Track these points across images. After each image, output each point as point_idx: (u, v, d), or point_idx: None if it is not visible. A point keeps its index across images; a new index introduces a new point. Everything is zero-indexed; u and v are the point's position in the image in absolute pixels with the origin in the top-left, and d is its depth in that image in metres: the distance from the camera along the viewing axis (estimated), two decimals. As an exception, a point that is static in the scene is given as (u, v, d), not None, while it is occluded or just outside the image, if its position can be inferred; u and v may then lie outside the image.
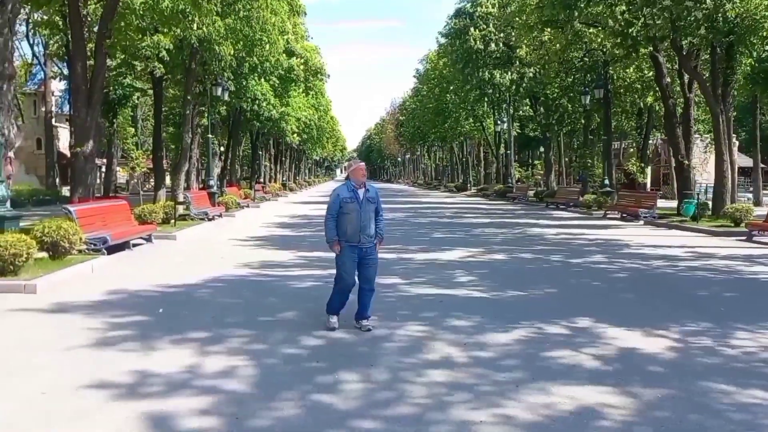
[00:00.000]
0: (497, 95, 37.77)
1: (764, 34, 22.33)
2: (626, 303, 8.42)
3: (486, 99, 38.21)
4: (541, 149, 45.80)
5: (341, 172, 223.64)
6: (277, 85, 33.70)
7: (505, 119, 39.26)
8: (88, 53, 16.81)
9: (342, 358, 5.85)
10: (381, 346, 6.28)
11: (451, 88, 43.75)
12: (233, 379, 5.25)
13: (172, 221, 17.77)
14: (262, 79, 31.06)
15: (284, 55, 30.16)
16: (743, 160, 45.59)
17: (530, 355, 5.94)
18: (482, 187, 51.61)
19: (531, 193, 37.55)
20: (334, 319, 6.88)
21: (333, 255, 7.02)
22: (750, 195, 33.70)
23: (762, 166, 44.39)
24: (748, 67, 25.84)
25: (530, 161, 58.30)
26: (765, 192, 34.94)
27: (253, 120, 34.91)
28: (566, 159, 46.35)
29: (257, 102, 31.91)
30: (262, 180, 46.65)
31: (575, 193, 30.49)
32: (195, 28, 18.19)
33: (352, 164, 7.13)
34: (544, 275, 10.64)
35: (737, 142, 43.29)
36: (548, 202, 32.00)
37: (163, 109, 28.63)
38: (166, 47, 20.65)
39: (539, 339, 6.50)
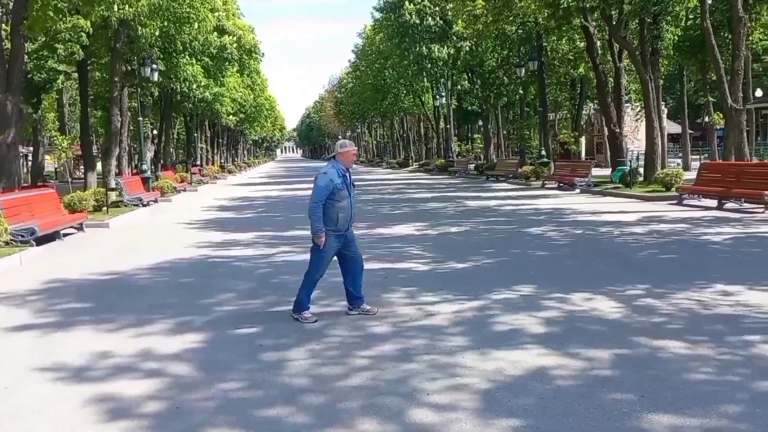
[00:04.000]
0: (435, 70, 37.78)
1: (688, 4, 23.11)
2: (568, 269, 8.57)
3: (424, 74, 38.16)
4: (480, 123, 46.27)
5: (282, 152, 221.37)
6: (209, 65, 32.69)
7: (443, 94, 39.38)
8: (5, 36, 15.80)
9: (288, 337, 5.73)
10: (328, 322, 6.17)
11: (389, 63, 43.51)
12: (176, 363, 5.06)
13: (105, 209, 17.08)
14: (194, 59, 30.03)
15: (215, 33, 29.23)
16: (672, 127, 47.34)
17: (476, 324, 5.96)
18: (424, 163, 51.89)
19: (471, 166, 37.97)
20: (308, 314, 6.25)
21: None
22: (679, 160, 35.07)
23: (690, 132, 46.22)
24: (675, 37, 26.72)
25: (470, 135, 58.89)
26: (693, 157, 36.41)
27: (186, 101, 33.82)
28: (505, 132, 47.01)
29: (189, 83, 30.89)
30: (198, 163, 45.42)
31: (514, 165, 31.01)
32: (116, 9, 17.29)
33: (345, 145, 6.34)
34: (488, 246, 10.75)
35: (666, 110, 44.84)
36: (488, 175, 32.44)
37: (91, 92, 27.36)
38: (87, 29, 19.63)
39: (485, 307, 6.54)
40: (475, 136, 53.80)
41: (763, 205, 13.60)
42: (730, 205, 14.80)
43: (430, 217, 15.45)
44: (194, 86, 31.10)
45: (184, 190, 29.75)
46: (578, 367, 4.73)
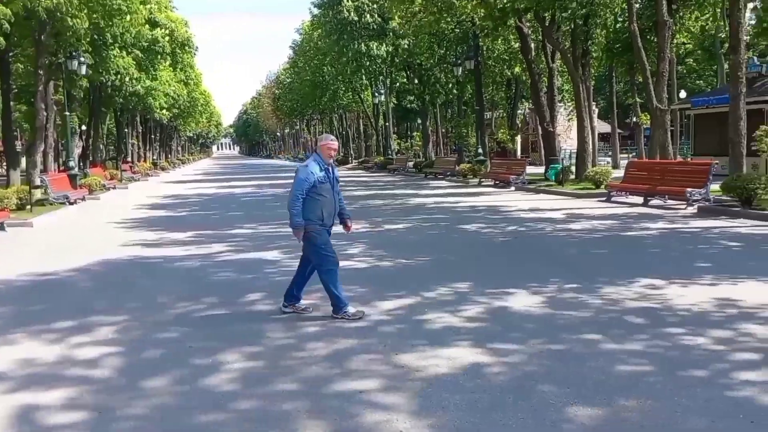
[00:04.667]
0: (374, 67, 37.82)
1: (616, 9, 23.93)
2: (502, 265, 8.73)
3: (363, 71, 38.17)
4: (419, 121, 46.65)
5: (218, 149, 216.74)
6: (141, 58, 31.69)
7: (382, 91, 39.51)
8: None
9: (219, 339, 5.59)
10: (262, 323, 6.07)
11: (328, 60, 43.26)
12: (101, 368, 4.85)
13: (28, 207, 16.29)
14: (125, 52, 29.04)
15: (147, 26, 28.33)
16: (602, 127, 48.94)
17: (411, 321, 5.99)
18: (363, 160, 51.91)
19: (410, 164, 38.25)
20: (352, 309, 6.09)
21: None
22: (609, 159, 36.35)
23: (619, 131, 47.94)
24: (605, 39, 27.64)
25: (409, 133, 59.30)
26: (622, 155, 37.79)
27: (116, 95, 32.67)
28: (443, 130, 47.53)
29: (120, 76, 29.86)
30: (129, 160, 43.99)
31: (452, 163, 31.39)
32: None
33: (323, 139, 6.25)
34: (426, 243, 10.83)
35: (597, 110, 46.36)
36: (427, 173, 32.74)
37: (14, 85, 26.00)
38: (8, 17, 18.62)
39: (421, 305, 6.58)
40: (414, 133, 54.20)
41: (685, 202, 14.24)
42: (655, 201, 15.42)
43: (368, 214, 15.45)
44: (126, 79, 30.09)
45: (114, 188, 28.76)
46: (508, 362, 4.81)
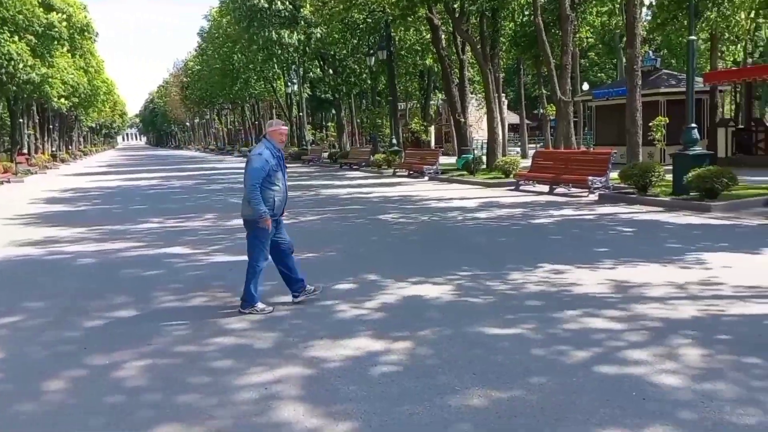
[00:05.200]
0: (286, 56, 37.17)
1: (522, 2, 24.64)
2: (413, 255, 8.79)
3: (274, 60, 37.44)
4: (334, 111, 46.40)
5: (124, 140, 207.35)
6: (36, 44, 29.71)
7: (295, 81, 38.96)
8: None
9: (119, 337, 5.32)
10: (161, 320, 5.83)
11: (237, 47, 42.14)
12: (-17, 382, 4.50)
13: None
14: (16, 37, 27.13)
15: (41, 9, 26.57)
16: (512, 118, 50.46)
17: (319, 314, 5.93)
18: (276, 151, 50.99)
19: (325, 154, 38.00)
20: (261, 305, 6.00)
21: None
22: (518, 149, 37.51)
23: (527, 122, 49.56)
24: (512, 32, 28.40)
25: (324, 123, 58.89)
26: (530, 146, 39.10)
27: (9, 83, 30.48)
28: (358, 120, 47.54)
29: (15, 62, 27.88)
30: (25, 151, 41.29)
31: (366, 153, 31.43)
32: None
33: (273, 124, 6.08)
34: (339, 234, 10.77)
35: (506, 101, 47.73)
36: (342, 163, 32.64)
37: None
38: None
39: (330, 297, 6.51)
40: (329, 124, 53.87)
41: (587, 190, 14.88)
42: (560, 189, 16.04)
43: (280, 206, 15.19)
44: (20, 66, 28.14)
45: (8, 182, 26.98)
46: (415, 351, 4.84)
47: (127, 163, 50.87)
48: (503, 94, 42.81)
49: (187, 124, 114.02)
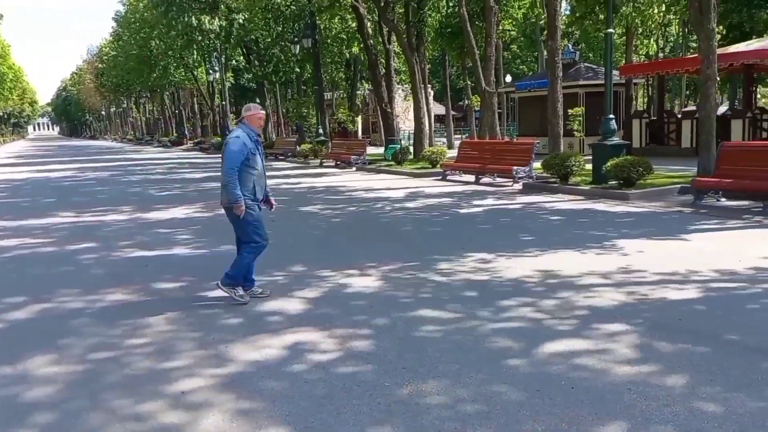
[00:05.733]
0: (207, 43, 35.92)
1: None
2: (342, 245, 8.61)
3: (194, 46, 36.12)
4: (258, 100, 45.32)
5: (35, 129, 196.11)
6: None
7: (217, 68, 37.72)
8: None
9: (23, 342, 4.88)
10: (73, 318, 5.41)
11: (155, 33, 40.41)
12: None
13: None
14: None
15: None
16: (439, 108, 50.91)
17: (242, 310, 5.66)
18: (199, 141, 49.51)
19: (249, 144, 37.01)
20: (242, 291, 5.85)
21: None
22: (444, 139, 37.86)
23: (453, 113, 50.13)
24: (438, 23, 28.54)
25: (248, 112, 57.34)
26: (456, 136, 39.56)
27: None
28: (284, 110, 46.68)
29: None
30: None
31: (292, 144, 30.91)
32: None
33: (250, 109, 5.84)
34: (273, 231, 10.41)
35: (432, 92, 48.10)
36: (267, 154, 31.85)
37: None
38: None
39: (254, 291, 6.24)
40: (254, 113, 52.52)
41: (512, 179, 15.10)
42: (485, 179, 16.21)
43: (202, 198, 14.64)
44: None
45: None
46: (342, 346, 4.67)
47: (38, 154, 48.10)
48: (429, 85, 43.10)
49: (103, 113, 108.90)
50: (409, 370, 4.15)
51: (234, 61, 41.36)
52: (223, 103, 42.35)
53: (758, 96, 36.88)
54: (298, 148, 29.15)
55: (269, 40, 33.08)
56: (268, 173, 6.34)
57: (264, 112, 6.13)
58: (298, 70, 33.84)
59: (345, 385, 3.97)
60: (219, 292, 5.95)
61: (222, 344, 4.78)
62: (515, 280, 6.35)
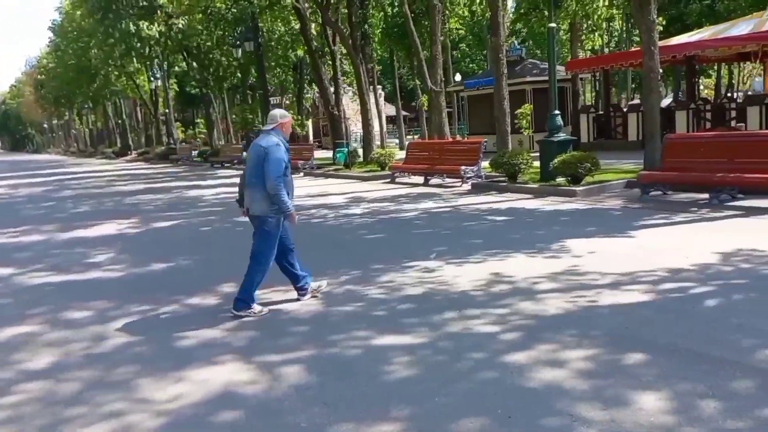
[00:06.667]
0: (145, 49, 34.67)
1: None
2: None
3: (134, 54, 34.85)
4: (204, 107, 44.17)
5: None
6: None
7: (158, 75, 36.58)
8: None
9: None
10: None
11: (93, 42, 38.89)
12: None
13: None
14: None
15: None
16: (391, 109, 50.59)
17: (160, 339, 5.08)
18: (143, 151, 48.02)
19: (195, 153, 36.08)
20: (259, 306, 5.62)
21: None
22: (398, 140, 37.51)
23: (406, 113, 49.90)
24: (382, 23, 28.17)
25: (196, 120, 56.16)
26: (409, 137, 39.31)
27: None
28: (233, 116, 45.64)
29: None
30: None
31: (239, 151, 30.07)
32: None
33: (286, 116, 5.72)
34: (195, 240, 9.80)
35: (383, 93, 47.75)
36: (213, 162, 31.05)
37: None
38: None
39: (177, 317, 5.67)
40: (199, 121, 51.38)
41: (460, 180, 14.76)
42: (434, 180, 15.85)
43: (136, 212, 13.87)
44: None
45: None
46: (274, 377, 4.17)
47: (-28, 171, 45.95)
48: (380, 86, 42.71)
49: (45, 126, 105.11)
50: (344, 405, 3.67)
51: (177, 68, 40.13)
52: (167, 111, 41.17)
53: (701, 87, 37.75)
54: (244, 155, 28.32)
55: (209, 44, 32.09)
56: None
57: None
58: (240, 75, 32.92)
59: (271, 424, 3.48)
60: (135, 321, 5.35)
61: (134, 381, 4.23)
62: (458, 290, 5.93)
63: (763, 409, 3.28)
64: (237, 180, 6.25)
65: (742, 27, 17.80)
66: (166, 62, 37.01)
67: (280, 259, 5.79)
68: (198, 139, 49.15)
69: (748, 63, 27.65)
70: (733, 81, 36.33)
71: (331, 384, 4.00)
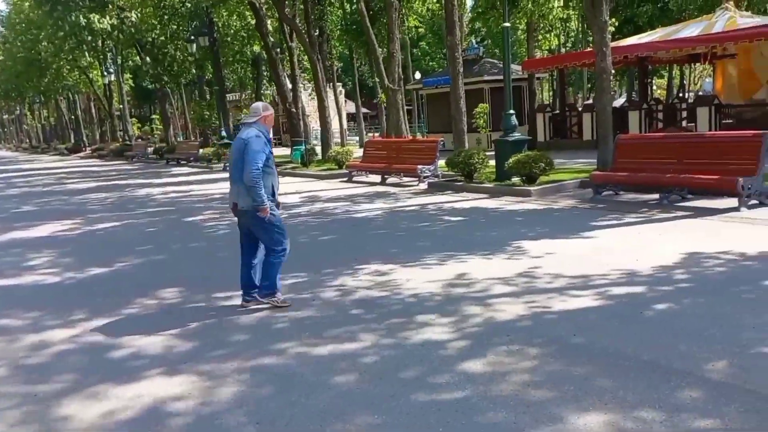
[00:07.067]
0: (98, 43, 33.65)
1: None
2: (222, 262, 7.79)
3: (85, 47, 33.76)
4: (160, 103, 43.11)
5: None
6: None
7: (111, 70, 35.54)
8: None
9: None
10: None
11: (42, 35, 37.54)
12: None
13: None
14: None
15: None
16: (352, 107, 50.28)
17: (92, 350, 4.82)
18: (97, 147, 46.60)
19: (150, 149, 35.20)
20: (282, 296, 5.71)
21: None
22: (358, 138, 37.29)
23: (368, 111, 49.67)
24: (341, 19, 27.90)
25: (153, 116, 54.87)
26: (370, 135, 39.05)
27: None
28: (192, 112, 44.71)
29: None
30: None
31: (195, 147, 29.44)
32: None
33: (268, 108, 5.64)
34: (139, 242, 9.44)
35: (343, 90, 47.45)
36: (168, 159, 30.31)
37: None
38: None
39: (114, 325, 5.40)
40: (155, 116, 50.19)
41: (417, 179, 14.66)
42: (392, 179, 15.71)
43: (82, 211, 13.37)
44: None
45: None
46: (206, 391, 3.95)
47: None
48: (340, 83, 42.40)
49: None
50: (263, 425, 3.48)
51: (131, 62, 39.07)
52: (122, 106, 40.10)
53: (654, 87, 38.55)
54: (200, 152, 27.76)
55: (163, 38, 31.27)
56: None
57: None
58: (194, 70, 32.20)
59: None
60: (67, 331, 5.06)
61: (56, 400, 3.95)
62: (411, 294, 5.80)
63: (709, 422, 3.21)
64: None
65: (692, 29, 18.15)
66: (120, 56, 35.95)
67: (249, 256, 5.69)
68: (155, 136, 48.04)
69: (698, 64, 28.29)
70: (685, 82, 37.15)
71: (267, 400, 3.81)
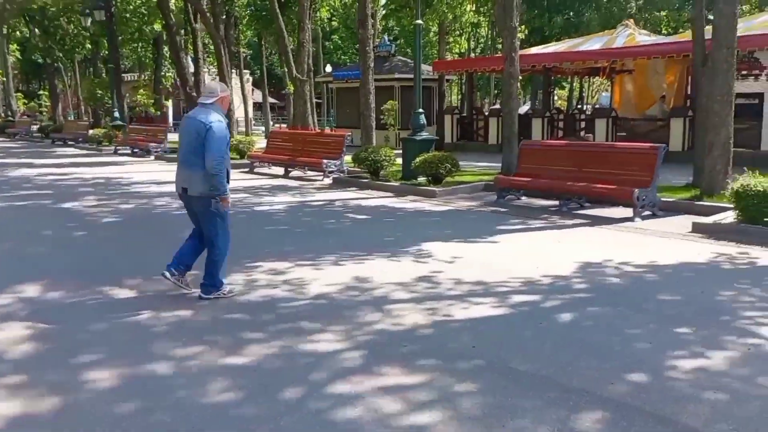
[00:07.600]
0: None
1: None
2: (100, 254, 7.07)
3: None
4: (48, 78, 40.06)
5: None
6: None
7: (-5, 39, 32.61)
8: None
9: None
10: None
11: None
12: None
13: None
14: None
15: None
16: (258, 96, 48.87)
17: None
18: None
19: (35, 128, 32.61)
20: (229, 286, 5.46)
21: None
22: (264, 127, 36.25)
23: (275, 101, 48.42)
24: (251, 3, 26.91)
25: (40, 92, 51.01)
26: (278, 125, 38.06)
27: None
28: (84, 90, 41.84)
29: None
30: None
31: (84, 128, 27.49)
32: None
33: (225, 89, 5.32)
34: (3, 229, 8.45)
35: (251, 78, 46.10)
36: (54, 138, 28.14)
37: None
38: None
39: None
40: (43, 93, 46.72)
41: (322, 173, 14.22)
42: (295, 172, 15.19)
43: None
44: None
45: None
46: (69, 408, 3.34)
47: None
48: (248, 71, 41.08)
49: None
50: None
51: (18, 33, 36.02)
52: (5, 80, 36.92)
53: (556, 98, 40.04)
54: (90, 132, 25.92)
55: (55, 9, 28.97)
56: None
57: None
58: (89, 46, 30.09)
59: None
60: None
61: None
62: (306, 297, 5.41)
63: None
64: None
65: (594, 43, 18.80)
66: (5, 26, 32.97)
67: (189, 242, 5.48)
68: (44, 113, 44.69)
69: (597, 78, 29.56)
70: (584, 94, 38.83)
71: (125, 418, 3.28)
